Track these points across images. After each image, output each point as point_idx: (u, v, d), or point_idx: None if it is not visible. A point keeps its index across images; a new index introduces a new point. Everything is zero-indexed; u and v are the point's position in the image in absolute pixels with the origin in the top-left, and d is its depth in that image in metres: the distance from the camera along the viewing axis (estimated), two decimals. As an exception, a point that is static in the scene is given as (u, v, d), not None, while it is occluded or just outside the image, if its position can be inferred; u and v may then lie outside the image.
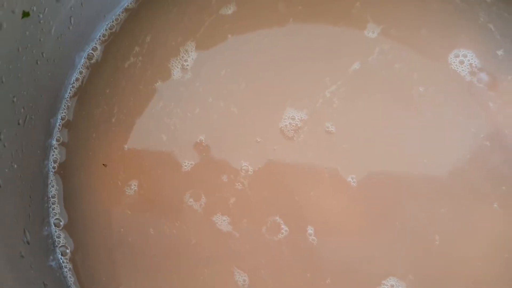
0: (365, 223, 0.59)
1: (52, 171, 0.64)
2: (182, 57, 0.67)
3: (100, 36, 0.68)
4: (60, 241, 0.63)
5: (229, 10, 0.68)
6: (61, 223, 0.63)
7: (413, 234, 0.58)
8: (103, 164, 0.65)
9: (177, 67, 0.67)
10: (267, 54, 0.67)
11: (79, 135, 0.66)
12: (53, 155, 0.65)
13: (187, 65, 0.67)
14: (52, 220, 0.63)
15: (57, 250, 0.62)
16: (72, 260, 0.63)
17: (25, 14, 0.52)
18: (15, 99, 0.54)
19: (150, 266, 0.61)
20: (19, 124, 0.56)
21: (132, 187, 0.63)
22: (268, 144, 0.63)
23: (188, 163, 0.63)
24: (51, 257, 0.62)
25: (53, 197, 0.64)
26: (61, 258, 0.62)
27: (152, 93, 0.67)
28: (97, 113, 0.67)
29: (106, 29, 0.69)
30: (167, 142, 0.65)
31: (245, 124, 0.64)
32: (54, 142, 0.65)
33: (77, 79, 0.67)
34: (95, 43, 0.68)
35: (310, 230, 0.59)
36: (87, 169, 0.65)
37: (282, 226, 0.60)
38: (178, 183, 0.63)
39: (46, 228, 0.62)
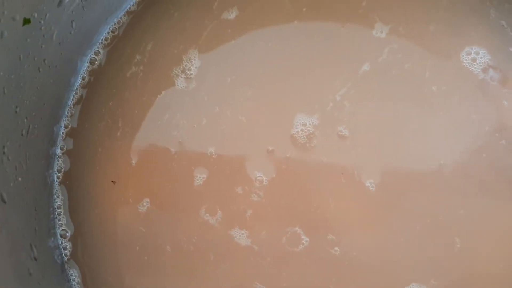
0: (386, 228, 0.58)
1: (56, 181, 0.63)
2: (185, 65, 0.65)
3: (102, 39, 0.66)
4: (67, 253, 0.62)
5: (231, 14, 0.66)
6: (67, 234, 0.62)
7: (433, 237, 0.58)
8: (112, 181, 0.63)
9: (181, 77, 0.65)
10: (273, 59, 0.65)
11: (84, 143, 0.64)
12: (57, 164, 0.63)
13: (191, 74, 0.65)
14: (58, 232, 0.62)
15: (65, 265, 0.61)
16: (84, 280, 0.61)
17: (26, 21, 0.50)
18: (17, 109, 0.53)
19: (167, 284, 0.60)
20: (22, 135, 0.55)
21: (145, 204, 0.61)
22: (281, 152, 0.62)
23: (200, 177, 0.62)
24: (59, 272, 0.61)
25: (58, 207, 0.62)
26: (69, 273, 0.61)
27: (157, 105, 0.65)
28: (101, 126, 0.65)
29: (108, 33, 0.66)
30: (175, 155, 0.63)
31: (255, 133, 0.63)
32: (58, 150, 0.64)
33: (80, 85, 0.65)
34: (98, 47, 0.66)
35: (331, 238, 0.58)
36: (94, 184, 0.63)
37: (302, 237, 0.59)
38: (192, 198, 0.61)
39: (52, 239, 0.61)
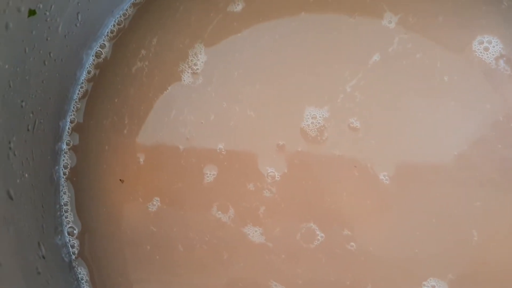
0: (401, 222, 0.57)
1: (63, 177, 0.62)
2: (191, 60, 0.63)
3: (108, 32, 0.64)
4: (75, 251, 0.61)
5: (237, 7, 0.64)
6: (75, 232, 0.61)
7: (450, 230, 0.57)
8: (120, 180, 0.61)
9: (187, 72, 0.63)
10: (280, 52, 0.63)
11: (90, 138, 0.63)
12: (63, 160, 0.62)
13: (197, 69, 0.63)
14: (65, 229, 0.61)
15: (73, 263, 0.60)
16: (92, 279, 0.60)
17: (32, 12, 0.49)
18: (23, 104, 0.52)
19: (180, 284, 0.59)
20: (28, 130, 0.54)
21: (155, 203, 0.60)
22: (292, 147, 0.60)
23: (210, 174, 0.60)
24: (67, 271, 0.60)
25: (65, 204, 0.62)
26: (77, 271, 0.60)
27: (163, 101, 0.63)
28: (107, 123, 0.63)
29: (114, 25, 0.65)
30: (184, 153, 0.62)
31: (265, 127, 0.62)
32: (64, 146, 0.63)
33: (85, 79, 0.64)
34: (103, 40, 0.64)
35: (346, 234, 0.57)
36: (102, 181, 0.62)
37: (317, 232, 0.58)
38: (203, 196, 0.60)
39: (60, 237, 0.60)
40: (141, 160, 0.62)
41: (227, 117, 0.62)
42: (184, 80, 0.63)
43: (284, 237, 0.58)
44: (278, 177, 0.59)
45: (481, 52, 0.59)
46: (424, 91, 0.60)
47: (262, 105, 0.62)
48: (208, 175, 0.60)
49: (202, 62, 0.64)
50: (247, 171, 0.60)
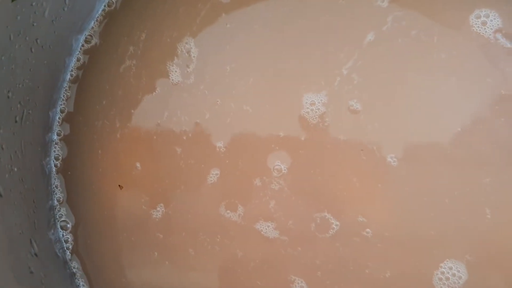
0: (414, 204, 0.56)
1: (54, 169, 0.60)
2: (180, 57, 0.61)
3: (98, 16, 0.61)
4: (69, 246, 0.59)
5: (224, -4, 0.62)
6: (68, 226, 0.59)
7: (463, 210, 0.56)
8: (119, 186, 0.58)
9: (176, 71, 0.61)
10: (272, 40, 0.61)
11: (81, 128, 0.61)
12: (54, 151, 0.60)
13: (187, 66, 0.61)
14: (58, 224, 0.59)
15: (67, 259, 0.59)
16: (86, 273, 0.58)
17: None
18: (10, 94, 0.50)
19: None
20: (16, 121, 0.52)
21: (159, 209, 0.57)
22: (294, 137, 0.59)
23: (212, 174, 0.58)
24: (62, 268, 0.58)
25: (58, 200, 0.59)
26: (72, 267, 0.59)
27: (153, 103, 0.61)
28: (99, 125, 0.61)
29: (104, 8, 0.62)
30: (182, 154, 0.59)
31: (263, 121, 0.59)
32: (55, 137, 0.60)
33: (75, 67, 0.61)
34: (93, 25, 0.61)
35: (361, 220, 0.56)
36: (95, 173, 0.60)
37: (332, 221, 0.56)
38: (208, 197, 0.57)
39: (53, 232, 0.58)
40: (139, 165, 0.59)
41: (223, 115, 0.60)
42: (173, 79, 0.61)
43: (298, 229, 0.56)
44: (285, 170, 0.57)
45: (478, 27, 0.59)
46: (422, 68, 0.59)
47: (258, 98, 0.60)
48: (211, 175, 0.58)
49: (192, 57, 0.61)
50: (252, 167, 0.58)
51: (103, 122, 0.60)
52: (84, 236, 0.59)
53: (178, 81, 0.61)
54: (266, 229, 0.56)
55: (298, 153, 0.58)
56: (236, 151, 0.59)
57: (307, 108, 0.59)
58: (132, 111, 0.60)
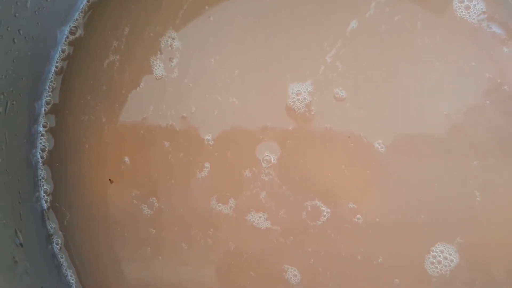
0: (404, 189, 0.57)
1: (40, 160, 0.59)
2: (164, 51, 0.60)
3: (82, 6, 0.61)
4: (57, 238, 0.59)
5: (207, -12, 0.61)
6: (56, 217, 0.59)
7: (453, 193, 0.56)
8: (110, 180, 0.58)
9: (160, 65, 0.60)
10: (255, 31, 0.61)
11: (67, 119, 0.60)
12: (40, 143, 0.59)
13: (171, 60, 0.60)
14: (46, 215, 0.59)
15: (55, 249, 0.58)
16: (74, 264, 0.58)
17: None
18: None
19: (189, 283, 0.56)
20: (0, 112, 0.52)
21: (150, 203, 0.57)
22: (282, 127, 0.59)
23: (202, 167, 0.58)
24: (49, 259, 0.58)
25: (45, 192, 0.59)
26: (60, 257, 0.58)
27: (138, 98, 0.61)
28: (85, 120, 0.60)
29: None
30: (170, 148, 0.59)
31: (250, 112, 0.59)
32: (40, 128, 0.60)
33: (60, 58, 0.61)
34: (77, 16, 0.61)
35: (352, 207, 0.56)
36: (82, 165, 0.60)
37: (323, 208, 0.56)
38: (199, 190, 0.57)
39: (39, 223, 0.58)
40: (127, 159, 0.58)
41: (210, 107, 0.60)
42: (157, 73, 0.60)
43: (290, 219, 0.56)
44: (274, 160, 0.58)
45: (462, 11, 0.59)
46: (407, 54, 0.60)
47: (244, 90, 0.60)
48: (200, 168, 0.58)
49: (176, 50, 0.61)
50: (241, 158, 0.58)
51: (89, 117, 0.60)
52: (73, 229, 0.59)
53: (162, 75, 0.60)
54: (258, 220, 0.56)
55: (286, 143, 0.58)
56: (224, 144, 0.59)
57: (293, 97, 0.59)
58: (117, 105, 0.60)
